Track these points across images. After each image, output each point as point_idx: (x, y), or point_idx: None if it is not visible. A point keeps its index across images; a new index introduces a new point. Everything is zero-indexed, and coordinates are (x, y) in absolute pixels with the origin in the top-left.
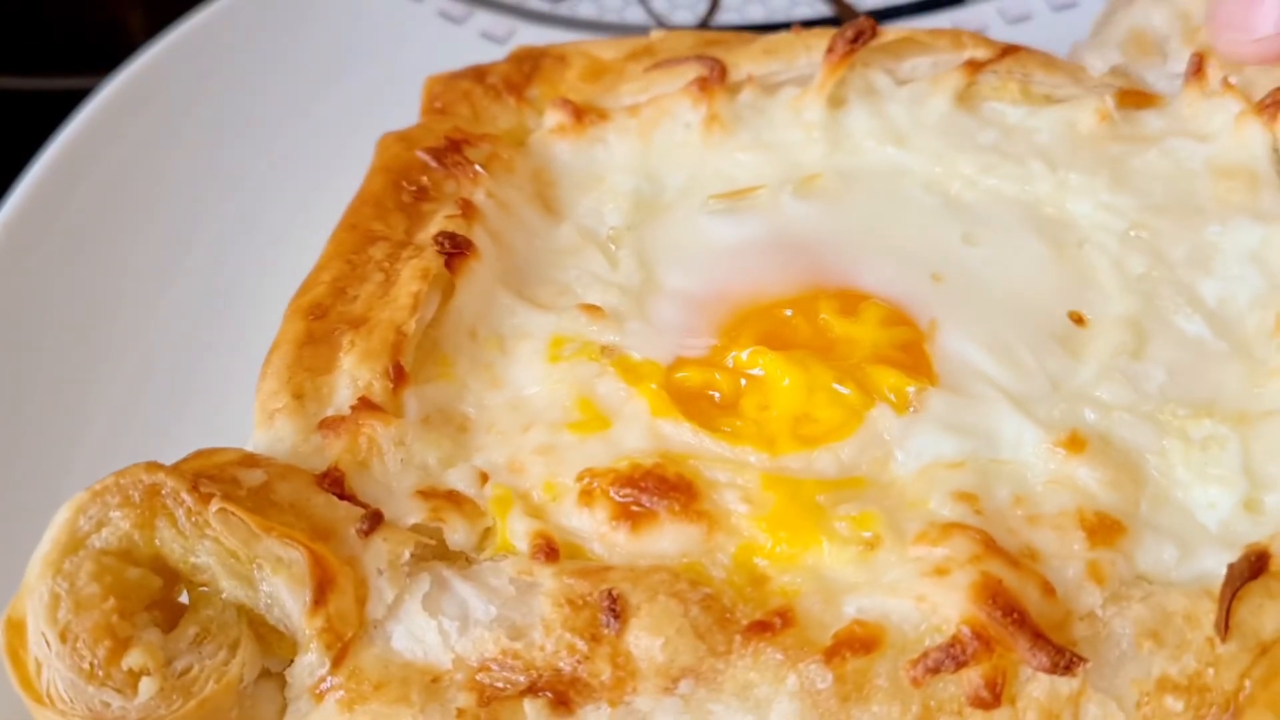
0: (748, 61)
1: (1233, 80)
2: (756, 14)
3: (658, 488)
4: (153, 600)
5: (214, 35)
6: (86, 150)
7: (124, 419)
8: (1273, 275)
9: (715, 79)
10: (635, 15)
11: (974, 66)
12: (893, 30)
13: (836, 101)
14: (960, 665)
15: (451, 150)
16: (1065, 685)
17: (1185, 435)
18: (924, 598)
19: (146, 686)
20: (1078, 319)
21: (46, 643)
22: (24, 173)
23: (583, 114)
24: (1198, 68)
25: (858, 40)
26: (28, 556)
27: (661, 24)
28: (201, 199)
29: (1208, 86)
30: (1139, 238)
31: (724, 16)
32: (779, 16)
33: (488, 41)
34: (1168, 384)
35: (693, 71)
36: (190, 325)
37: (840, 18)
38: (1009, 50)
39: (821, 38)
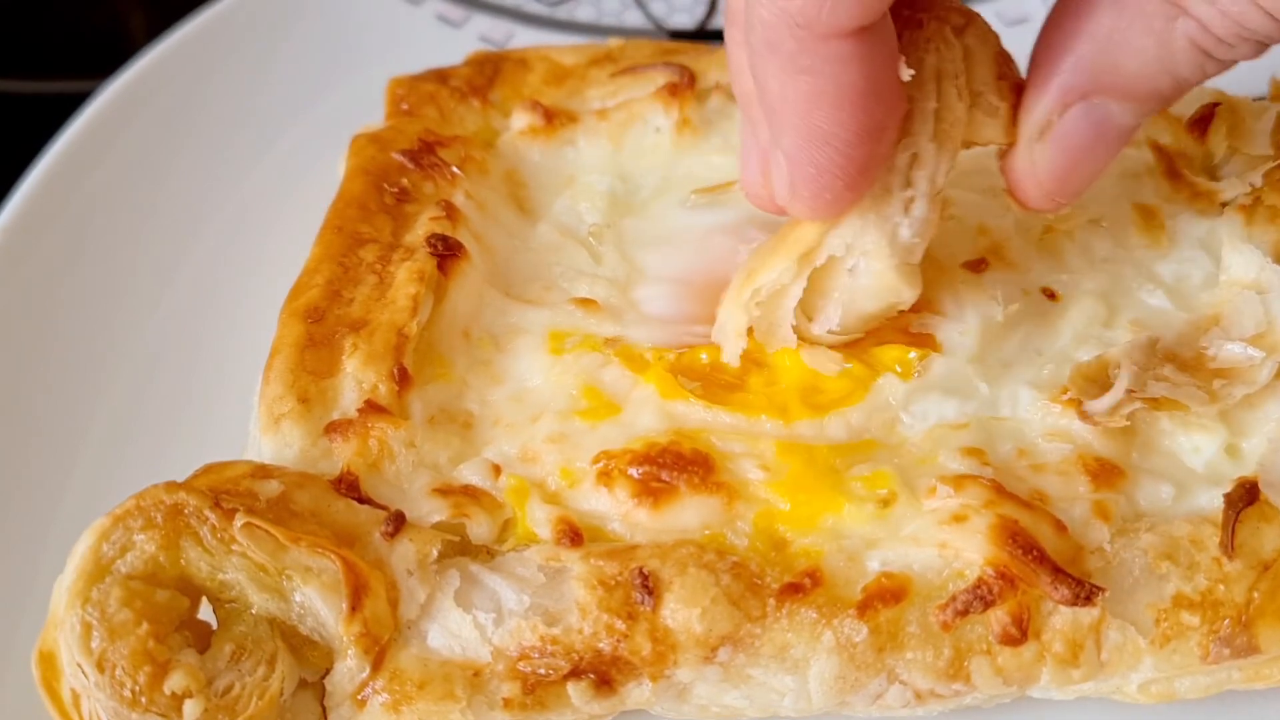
0: (714, 69)
1: None
2: None
3: (675, 462)
4: (181, 621)
5: (214, 38)
6: (87, 153)
7: (124, 420)
8: (1220, 258)
9: (685, 85)
10: (634, 19)
11: None
12: None
13: None
14: (988, 605)
15: (426, 152)
16: (1086, 615)
17: None
18: (946, 545)
19: (191, 709)
20: (1050, 294)
21: (84, 673)
22: (25, 175)
23: (553, 116)
24: None
25: None
26: (30, 559)
27: (660, 28)
28: (202, 201)
29: None
30: (1100, 226)
31: (722, 20)
32: None
33: (486, 45)
34: None
35: (661, 78)
36: (191, 327)
37: None
38: None
39: None
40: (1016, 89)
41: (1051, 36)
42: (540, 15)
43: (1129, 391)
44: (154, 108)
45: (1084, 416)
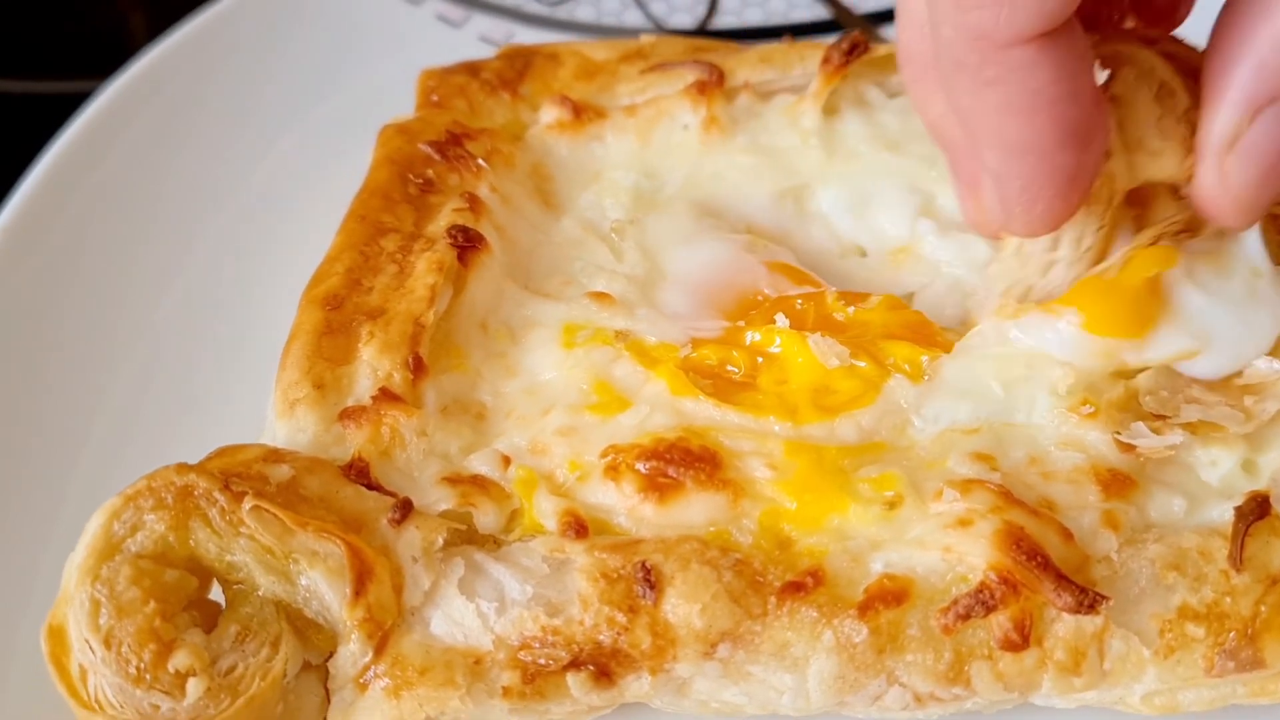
0: (744, 68)
1: None
2: (754, 17)
3: (683, 459)
4: (190, 601)
5: (214, 38)
6: (87, 153)
7: (128, 419)
8: None
9: (714, 83)
10: (634, 18)
11: None
12: (883, 47)
13: (830, 110)
14: (989, 610)
15: (453, 144)
16: (1089, 624)
17: None
18: (950, 549)
19: (194, 687)
20: None
21: (91, 649)
22: (25, 175)
23: (581, 111)
24: None
25: (853, 53)
26: (37, 553)
27: (660, 27)
28: (202, 201)
29: None
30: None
31: (722, 20)
32: (776, 20)
33: (486, 45)
34: None
35: (691, 75)
36: (192, 325)
37: (838, 20)
38: None
39: (815, 49)
40: (1186, 119)
41: (1223, 42)
42: (540, 15)
43: (1163, 418)
44: (154, 108)
45: (1124, 448)
